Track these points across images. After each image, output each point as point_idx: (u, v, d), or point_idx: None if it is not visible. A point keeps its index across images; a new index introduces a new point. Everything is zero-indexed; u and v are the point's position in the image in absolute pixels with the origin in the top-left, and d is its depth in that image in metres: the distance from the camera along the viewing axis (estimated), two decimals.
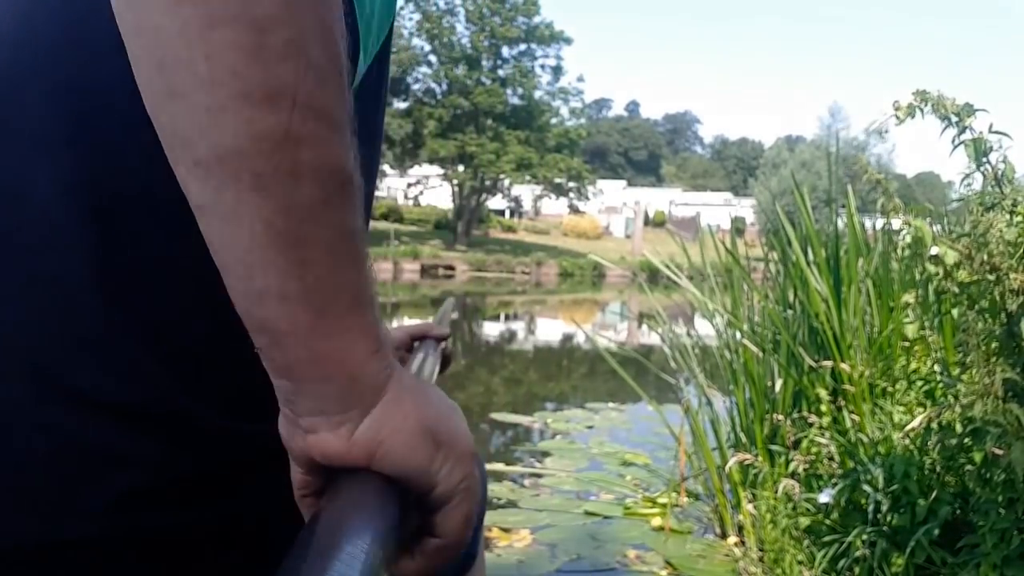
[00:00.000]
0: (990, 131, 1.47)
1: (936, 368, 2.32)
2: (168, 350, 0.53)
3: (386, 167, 35.41)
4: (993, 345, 1.53)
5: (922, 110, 1.49)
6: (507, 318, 14.85)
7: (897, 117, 1.49)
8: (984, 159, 1.47)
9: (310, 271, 0.42)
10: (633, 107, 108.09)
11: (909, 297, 1.85)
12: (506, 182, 35.88)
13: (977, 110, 1.47)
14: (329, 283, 0.43)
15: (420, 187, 39.42)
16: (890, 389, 2.53)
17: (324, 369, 0.44)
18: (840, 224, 3.18)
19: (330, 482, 0.46)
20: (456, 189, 34.78)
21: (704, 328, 3.69)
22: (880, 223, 2.97)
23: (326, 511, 0.42)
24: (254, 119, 0.40)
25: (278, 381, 0.45)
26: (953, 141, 1.49)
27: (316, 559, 0.37)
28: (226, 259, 0.43)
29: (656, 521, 3.14)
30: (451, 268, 26.89)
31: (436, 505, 0.48)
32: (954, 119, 1.47)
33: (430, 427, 0.47)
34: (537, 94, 36.30)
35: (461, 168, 34.40)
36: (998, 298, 1.49)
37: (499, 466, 3.93)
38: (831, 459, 2.47)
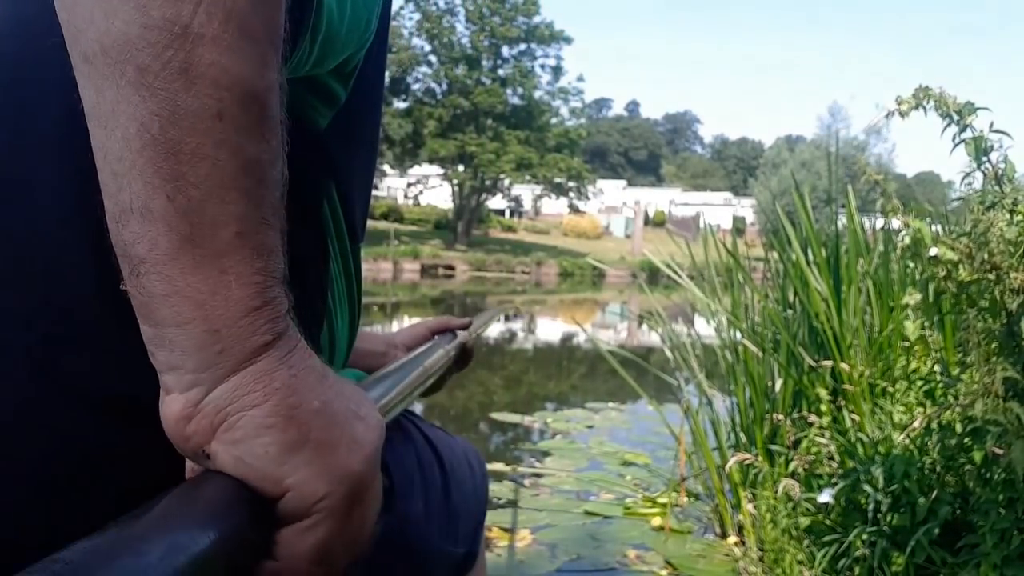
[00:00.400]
0: (991, 130, 1.47)
1: (936, 368, 2.32)
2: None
3: (386, 167, 35.43)
4: (993, 344, 1.53)
5: (924, 107, 1.49)
6: (507, 318, 14.84)
7: (900, 112, 1.49)
8: (984, 158, 1.47)
9: (184, 190, 0.36)
10: (633, 107, 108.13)
11: (909, 298, 1.85)
12: (506, 182, 35.87)
13: (978, 108, 1.47)
14: (206, 210, 0.36)
15: (420, 187, 39.42)
16: (890, 389, 2.53)
17: (180, 311, 0.37)
18: (840, 224, 3.18)
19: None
20: (456, 189, 34.77)
21: (704, 328, 3.69)
22: (880, 223, 2.97)
23: (163, 499, 0.34)
24: (149, 6, 0.35)
25: (142, 327, 0.38)
26: (954, 139, 1.49)
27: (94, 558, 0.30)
28: (102, 176, 0.37)
29: (656, 521, 3.14)
30: (451, 268, 26.88)
31: (283, 519, 0.39)
32: (955, 117, 1.47)
33: (301, 418, 0.38)
34: (537, 94, 36.29)
35: (461, 168, 34.40)
36: (998, 297, 1.49)
37: (499, 466, 3.92)
38: (831, 459, 2.47)
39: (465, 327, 1.00)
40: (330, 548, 0.40)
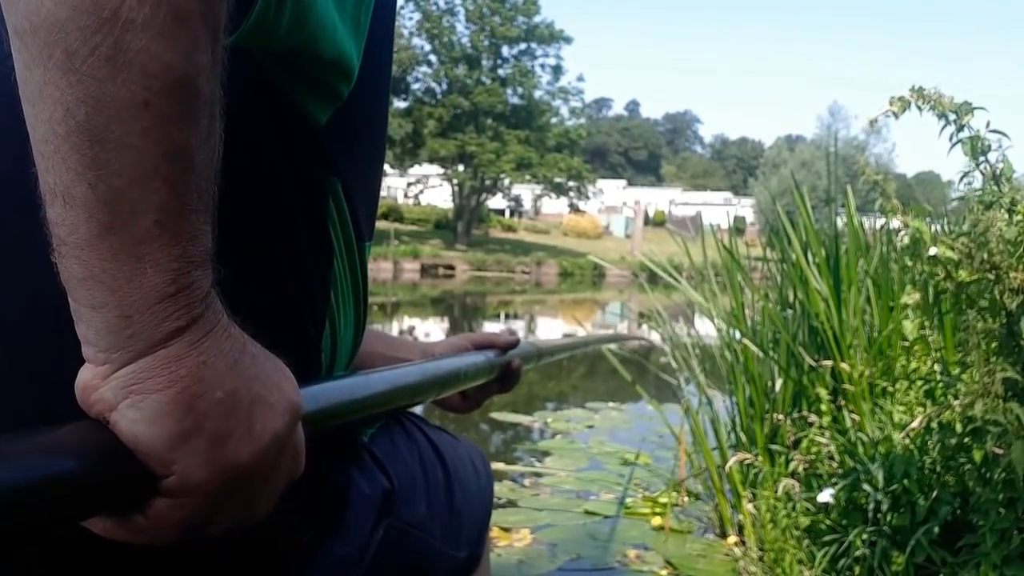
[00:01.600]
0: (988, 129, 1.47)
1: (936, 367, 2.32)
2: None
3: (386, 167, 35.18)
4: (993, 344, 1.53)
5: (920, 107, 1.49)
6: (507, 317, 14.84)
7: (894, 113, 1.49)
8: (982, 158, 1.47)
9: (106, 179, 0.36)
10: (633, 107, 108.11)
11: (908, 298, 1.85)
12: (506, 182, 35.88)
13: (975, 108, 1.47)
14: (126, 198, 0.37)
15: (420, 187, 39.42)
16: (890, 389, 2.53)
17: (95, 295, 0.38)
18: (840, 224, 3.18)
19: None
20: (456, 189, 34.77)
21: (704, 328, 3.69)
22: (880, 223, 2.97)
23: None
24: None
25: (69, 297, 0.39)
26: (951, 139, 1.49)
27: None
28: (33, 151, 0.37)
29: (656, 520, 3.14)
30: (451, 268, 26.88)
31: (159, 491, 0.40)
32: (951, 117, 1.47)
33: (199, 407, 0.39)
34: (537, 94, 36.30)
35: (461, 168, 34.40)
36: (998, 297, 1.49)
37: (499, 466, 3.92)
38: (831, 459, 2.47)
39: (512, 346, 0.96)
40: (197, 525, 0.42)
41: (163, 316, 0.38)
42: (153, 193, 0.37)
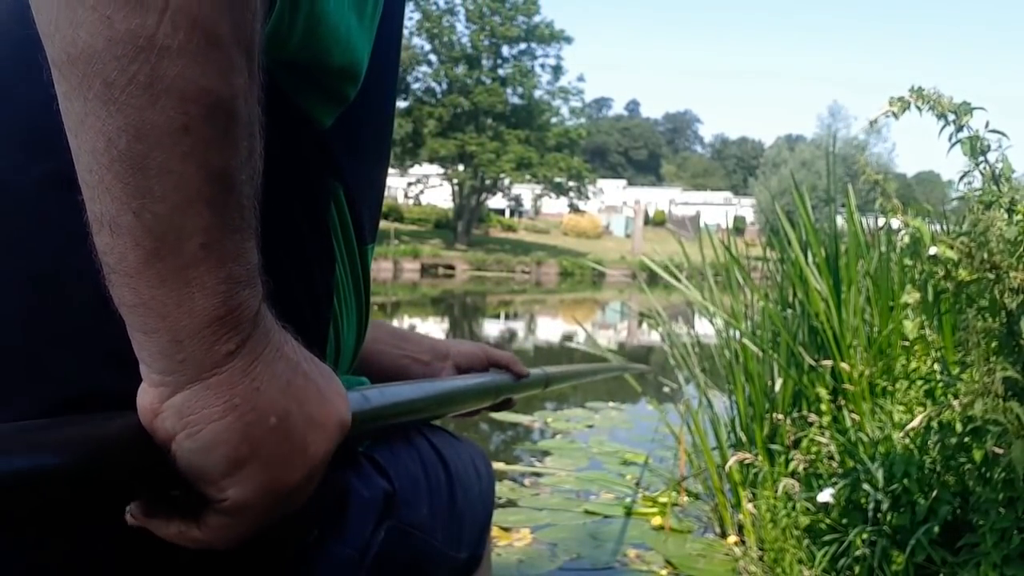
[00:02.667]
0: (987, 129, 1.47)
1: (936, 367, 2.32)
2: None
3: None
4: (993, 344, 1.53)
5: (919, 108, 1.49)
6: (507, 317, 14.84)
7: (894, 114, 1.49)
8: (981, 158, 1.47)
9: (150, 206, 0.36)
10: (633, 106, 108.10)
11: (908, 297, 1.85)
12: (506, 181, 35.88)
13: (974, 108, 1.47)
14: (171, 224, 0.37)
15: (420, 186, 39.42)
16: (890, 388, 2.53)
17: (146, 320, 0.38)
18: (840, 223, 3.18)
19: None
20: (456, 188, 34.77)
21: (704, 328, 3.69)
22: (880, 222, 2.97)
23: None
24: (114, 18, 0.34)
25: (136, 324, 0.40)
26: (950, 139, 1.49)
27: None
28: (80, 180, 0.38)
29: (656, 520, 3.14)
30: (451, 267, 26.88)
31: (214, 509, 0.42)
32: (951, 117, 1.47)
33: (253, 435, 0.40)
34: (537, 93, 36.31)
35: (461, 167, 34.41)
36: (998, 296, 1.49)
37: (499, 465, 3.92)
38: (831, 458, 2.47)
39: (526, 376, 0.97)
40: (247, 535, 0.44)
41: (213, 340, 0.39)
42: (197, 217, 0.37)
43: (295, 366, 0.43)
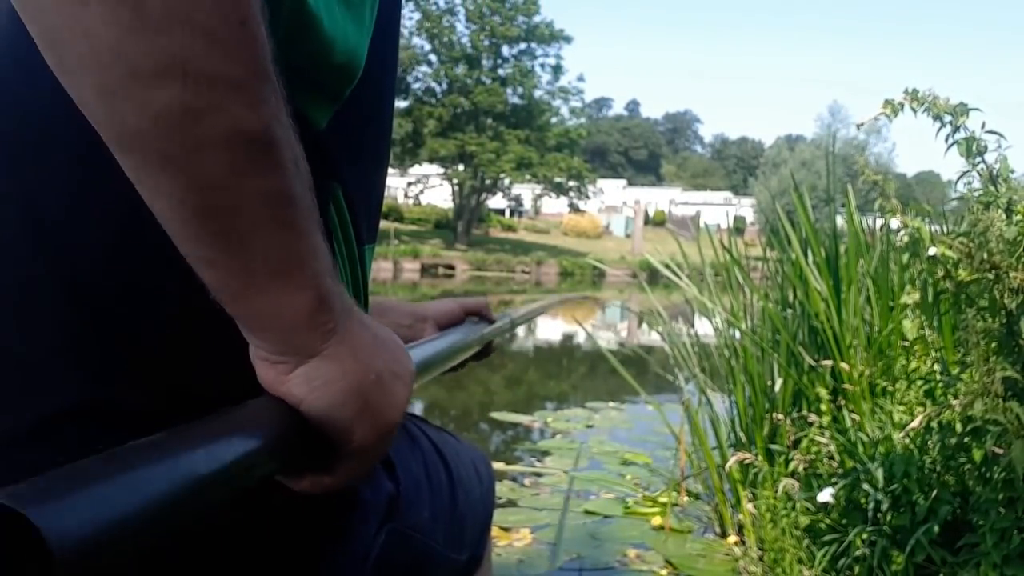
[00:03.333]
0: (983, 130, 1.47)
1: (936, 367, 2.32)
2: (142, 348, 0.52)
3: None
4: (993, 344, 1.53)
5: (915, 110, 1.49)
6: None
7: (887, 116, 1.49)
8: (979, 158, 1.48)
9: (231, 239, 0.42)
10: (633, 106, 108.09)
11: (908, 298, 1.85)
12: (506, 181, 35.87)
13: (971, 109, 1.47)
14: (254, 248, 0.43)
15: (420, 186, 39.40)
16: (890, 388, 2.53)
17: (260, 323, 0.46)
18: (840, 223, 3.18)
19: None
20: (456, 188, 34.76)
21: (704, 327, 3.69)
22: (879, 222, 2.97)
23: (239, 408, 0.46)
24: (148, 100, 0.38)
25: (252, 326, 0.47)
26: (947, 140, 1.49)
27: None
28: (165, 227, 0.43)
29: (656, 520, 3.14)
30: (451, 267, 26.87)
31: (342, 455, 0.50)
32: (947, 119, 1.47)
33: (363, 390, 0.49)
34: (537, 93, 36.28)
35: (461, 167, 34.39)
36: (997, 297, 1.49)
37: (499, 465, 3.92)
38: (831, 458, 2.47)
39: (493, 320, 1.01)
40: (365, 473, 0.54)
41: (316, 325, 0.46)
42: (273, 236, 0.43)
43: (373, 332, 0.52)
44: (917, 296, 1.70)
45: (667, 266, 3.52)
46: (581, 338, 9.94)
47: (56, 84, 0.39)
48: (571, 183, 36.36)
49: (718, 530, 3.06)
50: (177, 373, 0.52)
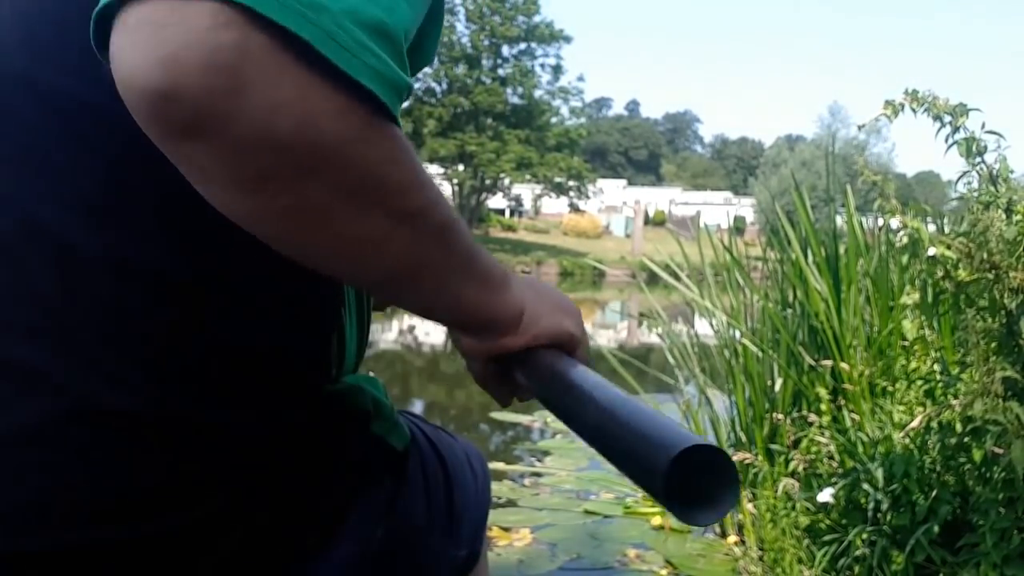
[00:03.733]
0: (983, 130, 1.48)
1: (936, 367, 2.32)
2: (157, 355, 0.53)
3: None
4: (992, 344, 1.53)
5: (915, 110, 1.49)
6: None
7: (887, 117, 1.50)
8: (979, 158, 1.48)
9: (429, 286, 0.56)
10: (633, 106, 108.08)
11: (907, 298, 1.86)
12: (506, 181, 35.87)
13: (970, 109, 1.47)
14: (446, 281, 0.56)
15: None
16: (890, 388, 2.53)
17: (475, 320, 0.61)
18: (840, 223, 3.18)
19: (513, 360, 0.64)
20: (456, 188, 34.77)
21: (704, 328, 3.69)
22: (879, 222, 2.97)
23: (545, 356, 0.62)
24: (377, 250, 0.50)
25: (464, 329, 0.63)
26: (947, 141, 1.49)
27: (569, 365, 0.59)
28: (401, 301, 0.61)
29: (656, 520, 3.14)
30: None
31: (575, 349, 0.66)
32: (947, 119, 1.48)
33: (560, 306, 0.66)
34: (537, 93, 36.27)
35: (461, 167, 34.39)
36: (997, 297, 1.49)
37: (499, 465, 3.92)
38: (831, 458, 2.47)
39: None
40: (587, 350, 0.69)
41: (511, 305, 0.61)
42: (455, 258, 0.55)
43: (532, 285, 0.66)
44: (917, 296, 1.70)
45: (666, 267, 3.52)
46: None
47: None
48: (571, 183, 36.36)
49: (718, 530, 3.06)
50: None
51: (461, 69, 35.09)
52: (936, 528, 1.87)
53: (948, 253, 1.52)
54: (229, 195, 0.44)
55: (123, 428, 0.52)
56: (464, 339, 0.64)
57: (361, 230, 0.48)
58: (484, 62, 35.74)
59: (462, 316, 0.60)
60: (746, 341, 3.08)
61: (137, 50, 0.39)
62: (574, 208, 40.07)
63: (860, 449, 2.32)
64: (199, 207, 0.45)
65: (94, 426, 0.51)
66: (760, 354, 3.05)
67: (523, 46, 36.33)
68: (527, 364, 0.63)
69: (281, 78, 0.39)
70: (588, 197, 38.51)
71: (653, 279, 3.91)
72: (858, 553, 2.05)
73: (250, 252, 0.50)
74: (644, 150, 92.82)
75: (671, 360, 3.51)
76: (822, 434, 2.54)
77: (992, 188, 1.48)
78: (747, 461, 2.78)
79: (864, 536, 2.04)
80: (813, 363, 2.78)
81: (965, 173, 1.51)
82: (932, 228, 2.09)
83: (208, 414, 0.53)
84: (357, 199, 0.46)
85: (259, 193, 0.43)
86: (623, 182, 64.46)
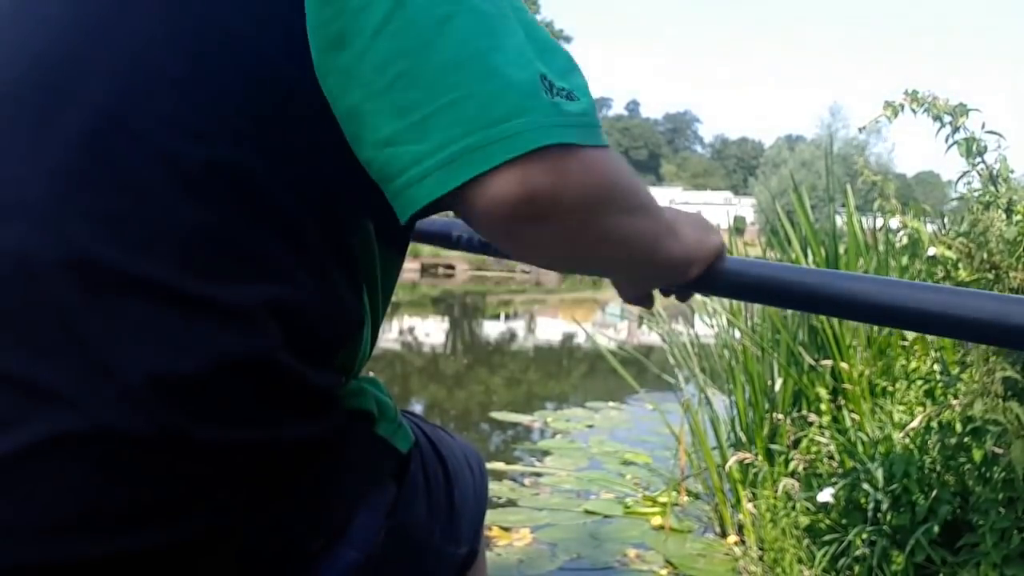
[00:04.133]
0: (983, 131, 1.48)
1: (936, 367, 2.32)
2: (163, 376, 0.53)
3: None
4: None
5: (914, 111, 1.49)
6: (507, 317, 14.85)
7: (888, 117, 1.50)
8: (979, 158, 1.48)
9: (658, 253, 0.69)
10: (633, 106, 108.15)
11: None
12: None
13: (970, 110, 1.47)
14: (659, 244, 0.69)
15: None
16: (890, 388, 2.53)
17: (680, 264, 0.73)
18: (840, 223, 3.18)
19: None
20: None
21: (704, 328, 3.69)
22: (879, 222, 2.97)
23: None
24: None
25: (666, 279, 0.77)
26: (947, 141, 1.50)
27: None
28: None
29: (656, 520, 3.14)
30: (451, 267, 26.86)
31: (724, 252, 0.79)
32: (946, 119, 1.48)
33: (704, 226, 0.77)
34: None
35: None
36: None
37: (499, 465, 3.92)
38: (831, 458, 2.47)
39: None
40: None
41: (687, 240, 0.73)
42: (662, 223, 0.68)
43: (678, 215, 0.74)
44: None
45: None
46: (581, 338, 9.95)
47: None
48: None
49: (718, 530, 3.06)
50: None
51: None
52: (936, 528, 1.87)
53: (948, 253, 1.52)
54: (563, 253, 0.63)
55: (130, 443, 0.52)
56: (652, 283, 0.80)
57: (632, 230, 0.63)
58: None
59: (669, 271, 0.73)
60: (746, 341, 3.08)
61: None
62: None
63: (860, 449, 2.32)
64: (214, 233, 0.51)
65: (102, 441, 0.51)
66: (760, 354, 3.05)
67: None
68: (703, 281, 0.77)
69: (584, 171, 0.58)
70: None
71: None
72: (858, 553, 2.05)
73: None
74: (644, 150, 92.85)
75: (671, 360, 3.51)
76: (822, 434, 2.54)
77: (992, 188, 1.48)
78: (747, 461, 2.78)
79: (864, 536, 2.04)
80: (813, 363, 2.78)
81: (965, 173, 1.51)
82: (932, 228, 2.10)
83: (217, 430, 0.54)
84: (629, 211, 0.62)
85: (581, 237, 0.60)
86: None
